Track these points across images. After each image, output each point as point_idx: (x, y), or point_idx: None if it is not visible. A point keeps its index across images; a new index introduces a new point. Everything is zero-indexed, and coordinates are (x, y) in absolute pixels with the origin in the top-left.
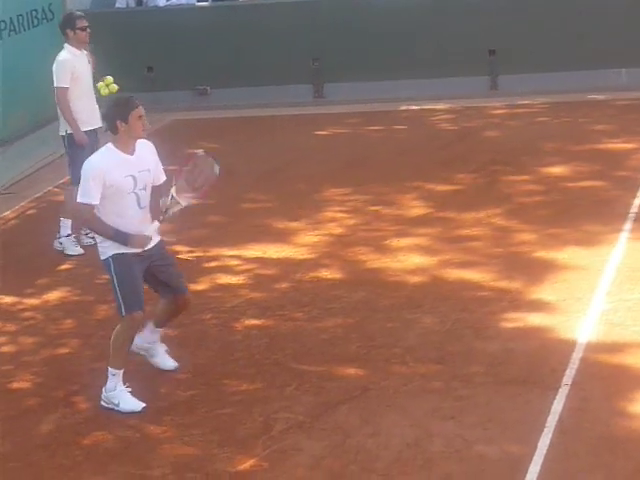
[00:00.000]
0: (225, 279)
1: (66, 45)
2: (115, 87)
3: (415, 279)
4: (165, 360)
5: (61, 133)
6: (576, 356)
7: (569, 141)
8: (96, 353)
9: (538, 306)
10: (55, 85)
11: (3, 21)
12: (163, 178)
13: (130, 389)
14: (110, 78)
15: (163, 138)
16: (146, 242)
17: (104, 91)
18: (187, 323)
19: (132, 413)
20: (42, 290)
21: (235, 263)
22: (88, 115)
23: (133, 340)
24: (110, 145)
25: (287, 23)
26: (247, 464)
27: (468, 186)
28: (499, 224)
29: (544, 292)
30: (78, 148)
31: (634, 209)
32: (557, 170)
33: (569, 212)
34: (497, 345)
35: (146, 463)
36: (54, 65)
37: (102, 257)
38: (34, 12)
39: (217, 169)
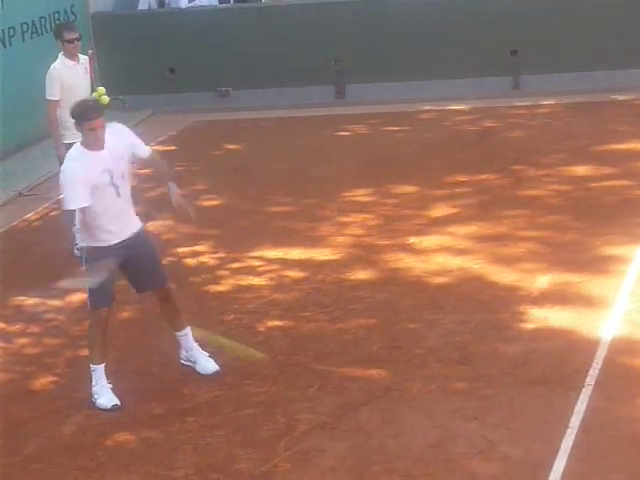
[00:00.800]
0: (247, 280)
1: (60, 55)
2: (106, 99)
3: (438, 279)
4: (205, 364)
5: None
6: (599, 356)
7: (592, 141)
8: (119, 354)
9: (561, 306)
10: (45, 97)
11: (25, 23)
12: (146, 150)
13: (111, 385)
14: (102, 89)
15: (185, 139)
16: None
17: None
18: (209, 324)
19: (104, 410)
20: (65, 291)
21: (257, 264)
22: None
23: (104, 334)
24: (78, 145)
25: (309, 24)
26: (270, 465)
27: (491, 186)
28: (522, 224)
29: (567, 292)
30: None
31: None
32: (580, 170)
33: (593, 212)
34: (520, 345)
35: (169, 464)
36: (46, 76)
37: (78, 243)
38: (56, 14)
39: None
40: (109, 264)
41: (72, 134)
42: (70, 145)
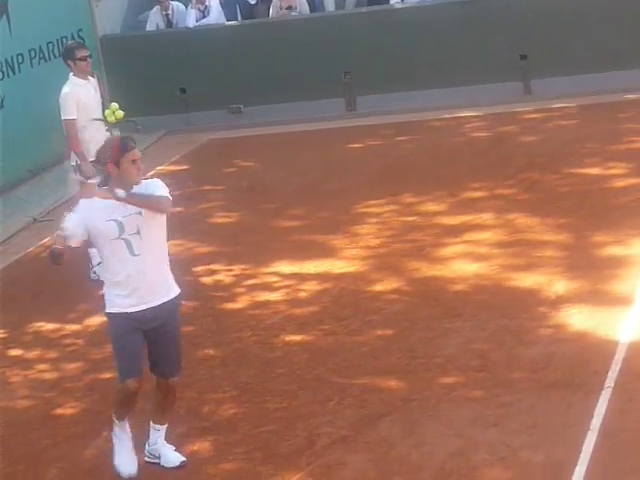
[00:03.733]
0: (263, 296)
1: (70, 75)
2: (121, 113)
3: (454, 287)
4: (171, 457)
5: (72, 163)
6: (619, 358)
7: (605, 142)
8: None
9: (579, 309)
10: (62, 117)
11: (33, 49)
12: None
13: (129, 445)
14: (115, 105)
15: (199, 158)
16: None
17: (110, 118)
18: (227, 342)
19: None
20: (83, 316)
21: (273, 280)
22: (96, 144)
23: (130, 406)
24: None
25: (317, 38)
26: None
27: (505, 192)
28: (538, 228)
29: (584, 294)
30: (87, 179)
31: None
32: (595, 171)
33: (609, 213)
34: (539, 350)
35: None
36: (60, 97)
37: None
38: (64, 39)
39: None
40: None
41: (90, 151)
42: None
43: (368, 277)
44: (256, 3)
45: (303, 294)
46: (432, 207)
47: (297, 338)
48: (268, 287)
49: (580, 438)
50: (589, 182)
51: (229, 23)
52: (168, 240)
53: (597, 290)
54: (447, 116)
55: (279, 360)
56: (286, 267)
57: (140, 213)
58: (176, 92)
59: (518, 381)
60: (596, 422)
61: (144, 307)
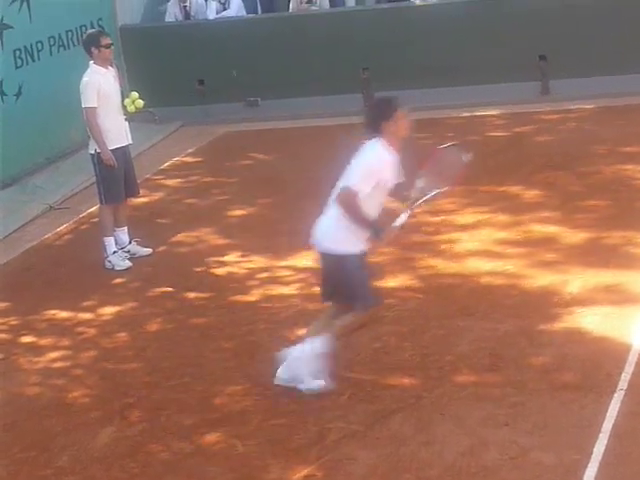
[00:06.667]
0: (277, 289)
1: (91, 64)
2: (141, 102)
3: (468, 286)
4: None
5: (90, 151)
6: (632, 360)
7: (622, 143)
8: (150, 365)
9: (592, 310)
10: (83, 105)
11: (53, 37)
12: None
13: None
14: (135, 94)
15: (215, 150)
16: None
17: (130, 107)
18: (240, 334)
19: None
20: (96, 305)
21: (287, 273)
22: (116, 133)
23: None
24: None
25: (336, 33)
26: (302, 474)
27: (521, 191)
28: (553, 228)
29: (599, 296)
30: (106, 167)
31: None
32: (611, 172)
33: (624, 214)
34: (551, 351)
35: (201, 475)
36: (80, 85)
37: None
38: (83, 27)
39: (466, 157)
40: None
41: (110, 140)
42: (112, 151)
43: (382, 273)
44: None
45: (317, 288)
46: (448, 204)
47: None
48: (282, 280)
49: (591, 440)
50: (607, 183)
51: (249, 16)
52: (184, 232)
53: (612, 291)
54: (465, 114)
55: None
56: (300, 261)
57: None
58: (194, 84)
59: (530, 381)
60: (608, 425)
61: None
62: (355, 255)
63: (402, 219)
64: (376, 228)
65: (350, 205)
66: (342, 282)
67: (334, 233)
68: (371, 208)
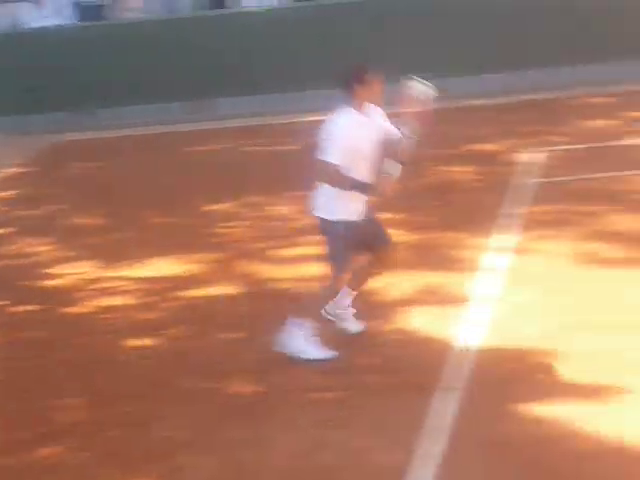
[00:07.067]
0: (113, 300)
1: None
2: None
3: (299, 287)
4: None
5: None
6: (465, 361)
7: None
8: None
9: (423, 310)
10: None
11: None
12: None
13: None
14: None
15: (46, 160)
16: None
17: None
18: (76, 346)
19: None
20: None
21: (122, 283)
22: None
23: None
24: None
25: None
26: None
27: None
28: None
29: (430, 296)
30: None
31: None
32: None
33: (459, 214)
34: (386, 352)
35: None
36: None
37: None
38: None
39: (431, 90)
40: None
41: None
42: None
43: (215, 281)
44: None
45: (154, 297)
46: (276, 208)
47: (146, 342)
48: (117, 291)
49: (425, 440)
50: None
51: (75, 24)
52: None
53: (440, 291)
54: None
55: (128, 364)
56: (135, 271)
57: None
58: (23, 92)
59: (366, 383)
60: (441, 423)
61: None
62: (347, 222)
63: (393, 165)
64: (366, 186)
65: (330, 176)
66: (329, 245)
67: (326, 202)
68: (363, 171)
